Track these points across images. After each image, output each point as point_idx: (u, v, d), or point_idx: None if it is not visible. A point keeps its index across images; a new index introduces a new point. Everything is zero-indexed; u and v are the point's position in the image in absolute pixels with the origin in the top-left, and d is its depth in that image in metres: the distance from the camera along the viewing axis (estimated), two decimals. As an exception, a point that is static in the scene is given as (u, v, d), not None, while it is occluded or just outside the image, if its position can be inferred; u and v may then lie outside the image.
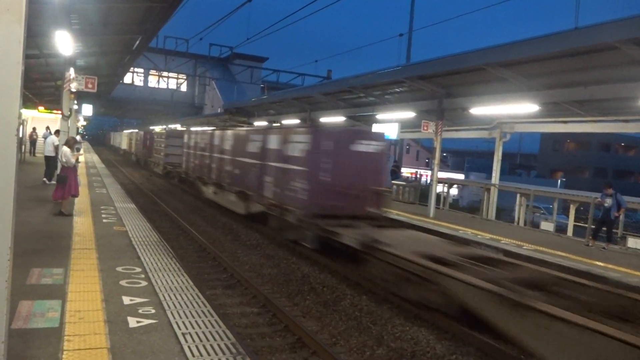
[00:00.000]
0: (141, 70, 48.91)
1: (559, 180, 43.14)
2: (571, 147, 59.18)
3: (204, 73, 49.69)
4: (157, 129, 44.73)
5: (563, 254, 10.97)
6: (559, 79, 11.75)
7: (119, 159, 51.39)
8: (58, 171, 12.11)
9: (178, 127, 39.85)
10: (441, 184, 20.39)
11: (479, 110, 14.36)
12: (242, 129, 17.51)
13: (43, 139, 22.69)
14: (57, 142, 15.08)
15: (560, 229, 17.15)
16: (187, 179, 24.14)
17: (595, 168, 54.60)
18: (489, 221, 17.31)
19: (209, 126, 31.47)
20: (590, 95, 11.34)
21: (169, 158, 29.13)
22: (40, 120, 27.89)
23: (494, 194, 18.76)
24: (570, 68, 11.10)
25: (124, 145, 54.18)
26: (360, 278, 9.53)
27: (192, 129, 26.55)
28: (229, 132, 17.51)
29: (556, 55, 10.60)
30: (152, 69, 46.77)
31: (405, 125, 20.35)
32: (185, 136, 24.76)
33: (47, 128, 27.22)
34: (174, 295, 5.80)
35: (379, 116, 19.61)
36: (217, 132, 18.87)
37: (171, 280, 6.39)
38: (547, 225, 16.00)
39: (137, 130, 48.96)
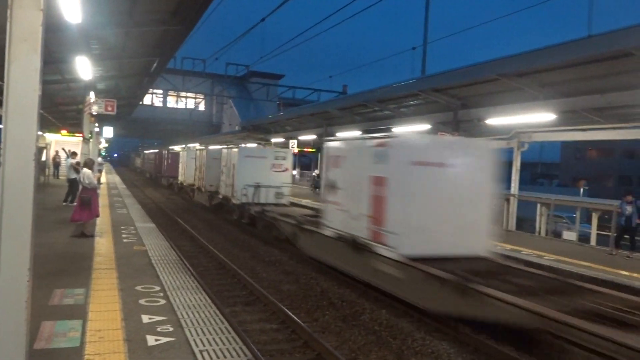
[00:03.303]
0: (160, 91, 49.89)
1: (582, 189, 42.37)
2: (593, 155, 58.12)
3: (221, 92, 50.39)
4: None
5: (586, 263, 10.77)
6: (574, 87, 11.64)
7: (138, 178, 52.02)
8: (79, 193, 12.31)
9: (197, 145, 39.82)
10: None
11: (495, 120, 14.27)
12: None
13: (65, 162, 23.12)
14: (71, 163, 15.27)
15: (584, 238, 16.79)
16: None
17: (619, 176, 53.51)
18: (509, 232, 17.08)
19: (227, 144, 31.24)
20: (607, 102, 11.20)
21: None
22: (64, 144, 28.51)
23: (513, 205, 18.51)
24: (585, 76, 11.00)
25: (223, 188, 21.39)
26: (378, 293, 9.49)
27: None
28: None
29: (570, 64, 10.53)
30: (171, 90, 47.59)
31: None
32: None
33: (63, 149, 27.66)
34: (192, 312, 5.85)
35: (395, 129, 19.61)
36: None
37: (190, 298, 6.46)
38: (570, 235, 15.68)
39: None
